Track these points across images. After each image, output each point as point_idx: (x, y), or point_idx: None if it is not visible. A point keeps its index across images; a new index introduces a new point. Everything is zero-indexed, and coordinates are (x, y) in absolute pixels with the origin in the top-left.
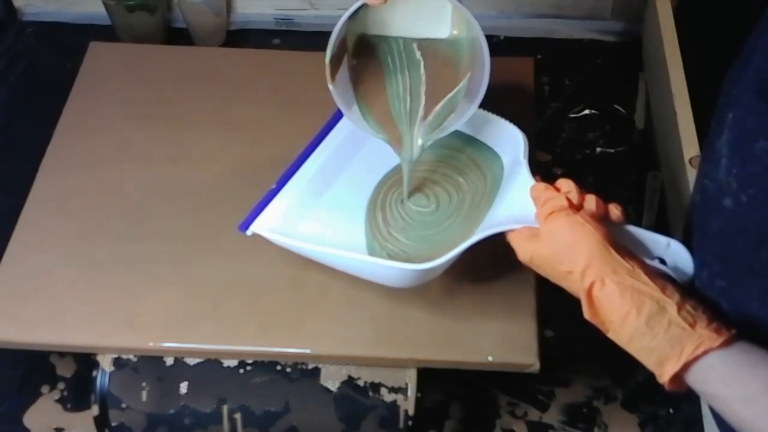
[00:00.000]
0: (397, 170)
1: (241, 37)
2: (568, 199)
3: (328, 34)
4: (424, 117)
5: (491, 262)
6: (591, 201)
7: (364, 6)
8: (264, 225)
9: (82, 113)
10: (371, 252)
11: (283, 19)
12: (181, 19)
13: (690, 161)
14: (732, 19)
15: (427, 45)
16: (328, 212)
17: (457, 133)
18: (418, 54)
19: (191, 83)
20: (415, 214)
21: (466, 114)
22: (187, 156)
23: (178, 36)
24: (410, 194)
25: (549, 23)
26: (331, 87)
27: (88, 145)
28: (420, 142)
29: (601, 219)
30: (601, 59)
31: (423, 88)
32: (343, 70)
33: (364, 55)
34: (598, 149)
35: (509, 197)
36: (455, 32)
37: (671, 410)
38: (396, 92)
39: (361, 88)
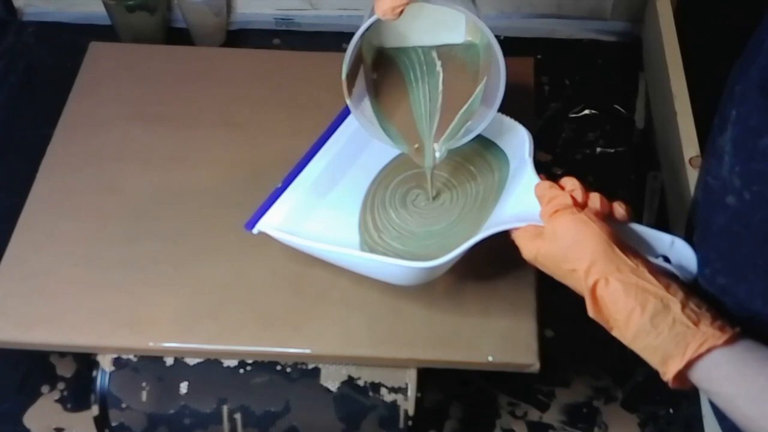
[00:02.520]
0: (382, 172)
1: (241, 37)
2: (573, 198)
3: (328, 34)
4: (443, 124)
5: (491, 263)
6: (595, 199)
7: (378, 19)
8: (270, 223)
9: (82, 113)
10: None
11: (283, 19)
12: (181, 19)
13: (690, 161)
14: (732, 19)
15: (444, 51)
16: (331, 213)
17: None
18: (437, 62)
19: (191, 83)
20: (418, 229)
21: (486, 119)
22: (187, 156)
23: (178, 36)
24: (417, 198)
25: (549, 23)
26: (348, 101)
27: (88, 145)
28: (440, 149)
29: (606, 217)
30: (601, 59)
31: (440, 96)
32: (360, 83)
33: (384, 68)
34: (598, 149)
35: (514, 195)
36: (469, 38)
37: (671, 410)
38: (417, 101)
39: (383, 100)
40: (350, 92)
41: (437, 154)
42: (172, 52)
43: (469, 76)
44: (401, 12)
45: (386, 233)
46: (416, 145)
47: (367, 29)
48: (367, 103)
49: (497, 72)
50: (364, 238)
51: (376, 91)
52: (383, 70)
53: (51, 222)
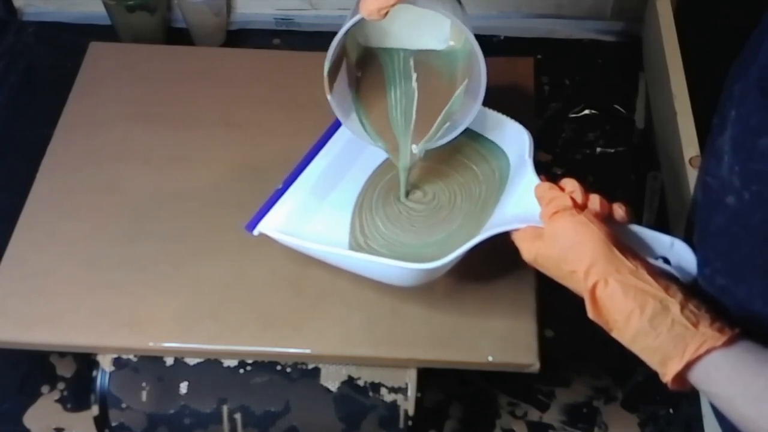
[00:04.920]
0: (374, 173)
1: (241, 37)
2: (573, 199)
3: (328, 34)
4: (421, 125)
5: (491, 263)
6: (595, 201)
7: (362, 18)
8: (270, 225)
9: (82, 113)
10: None
11: (283, 19)
12: (181, 19)
13: (690, 161)
14: (732, 19)
15: (424, 56)
16: (331, 214)
17: (466, 129)
18: (413, 74)
19: (191, 83)
20: (412, 241)
21: (461, 127)
22: (187, 156)
23: (178, 36)
24: (412, 198)
25: (549, 23)
26: (329, 97)
27: (88, 145)
28: (415, 149)
29: (605, 219)
30: (601, 59)
31: (416, 97)
32: (342, 79)
33: (368, 66)
34: (598, 149)
35: (515, 196)
36: (452, 43)
37: (671, 410)
38: (394, 101)
39: (364, 97)
40: (332, 88)
41: (415, 151)
42: (172, 52)
43: (447, 80)
44: (386, 13)
45: (373, 240)
46: (393, 144)
47: (351, 27)
48: (349, 100)
49: (479, 74)
50: (350, 242)
51: (358, 88)
52: (367, 67)
53: (51, 222)
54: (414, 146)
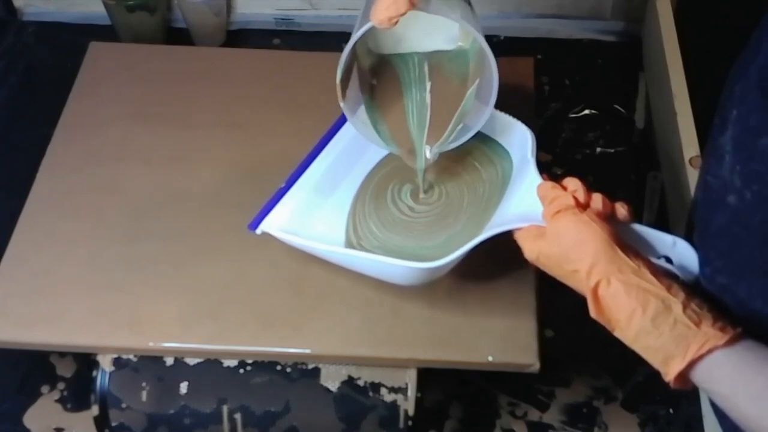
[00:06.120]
0: (372, 172)
1: (241, 37)
2: (575, 198)
3: (328, 34)
4: (435, 127)
5: (491, 263)
6: (597, 200)
7: (372, 26)
8: (273, 224)
9: (82, 113)
10: None
11: (283, 19)
12: (181, 19)
13: (690, 161)
14: (732, 19)
15: (436, 58)
16: (334, 214)
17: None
18: (426, 68)
19: (191, 83)
20: (409, 243)
21: (471, 132)
22: (187, 156)
23: (178, 36)
24: (424, 198)
25: (549, 23)
26: (342, 104)
27: (88, 145)
28: (429, 152)
29: (608, 218)
30: (601, 59)
31: (429, 106)
32: (354, 84)
33: (382, 72)
34: (598, 149)
35: (517, 195)
36: (461, 44)
37: (671, 410)
38: (410, 106)
39: (378, 103)
40: (344, 95)
41: (428, 155)
42: (172, 52)
43: (459, 81)
44: (396, 22)
45: (366, 242)
46: (408, 148)
47: (362, 36)
48: (360, 105)
49: (490, 77)
50: (345, 243)
51: (371, 93)
52: (381, 73)
53: (51, 222)
54: (428, 149)
